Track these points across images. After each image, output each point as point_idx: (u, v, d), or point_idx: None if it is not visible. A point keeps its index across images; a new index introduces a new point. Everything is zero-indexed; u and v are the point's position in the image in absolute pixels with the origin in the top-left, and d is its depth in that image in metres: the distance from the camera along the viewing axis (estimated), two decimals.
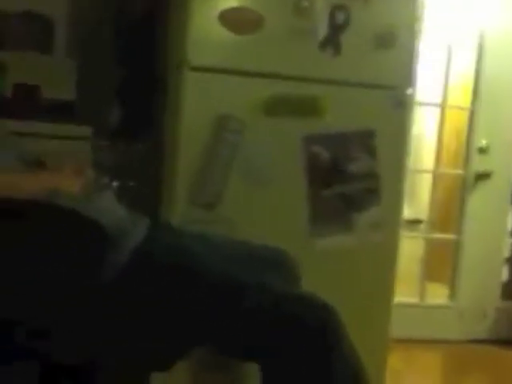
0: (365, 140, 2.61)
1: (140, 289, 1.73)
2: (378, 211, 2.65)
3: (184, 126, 2.49)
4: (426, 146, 4.24)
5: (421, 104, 3.83)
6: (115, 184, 2.20)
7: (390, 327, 2.71)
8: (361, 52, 2.59)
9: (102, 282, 1.71)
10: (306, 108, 2.57)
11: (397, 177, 2.71)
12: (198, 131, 2.48)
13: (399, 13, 2.65)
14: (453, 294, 3.91)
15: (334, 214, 2.61)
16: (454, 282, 3.90)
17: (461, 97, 3.94)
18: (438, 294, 3.99)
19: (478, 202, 3.86)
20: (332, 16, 2.55)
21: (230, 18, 2.49)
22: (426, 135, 4.30)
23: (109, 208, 1.91)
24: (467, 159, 3.87)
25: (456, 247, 3.91)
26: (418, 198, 4.28)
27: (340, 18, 2.56)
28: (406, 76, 2.69)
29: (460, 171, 3.91)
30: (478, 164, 3.85)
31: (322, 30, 2.56)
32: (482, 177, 3.84)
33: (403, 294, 3.49)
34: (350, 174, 2.58)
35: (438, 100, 3.84)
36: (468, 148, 3.87)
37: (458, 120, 3.98)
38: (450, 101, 3.86)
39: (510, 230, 3.99)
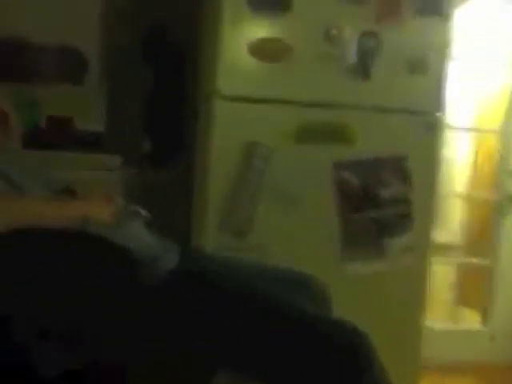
0: (396, 165, 2.61)
1: (174, 310, 1.74)
2: (409, 236, 2.64)
3: (214, 153, 2.51)
4: (457, 169, 4.21)
5: (451, 127, 3.81)
6: (145, 212, 2.22)
7: (422, 352, 2.68)
8: (391, 77, 2.60)
9: (133, 308, 1.73)
10: (336, 134, 2.58)
11: (428, 201, 2.70)
12: (227, 159, 2.50)
13: (430, 37, 2.65)
14: (485, 319, 3.85)
15: (365, 239, 2.61)
16: (487, 307, 3.84)
17: (492, 119, 3.91)
18: (470, 319, 3.93)
19: (511, 225, 3.80)
20: (361, 42, 2.57)
21: (259, 48, 2.52)
22: (458, 158, 4.28)
23: (139, 235, 1.91)
24: (500, 182, 3.83)
25: (489, 272, 3.84)
26: (450, 222, 4.24)
27: (369, 43, 2.57)
28: (437, 100, 2.69)
29: (493, 194, 3.87)
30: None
31: (351, 56, 2.58)
32: None
33: (435, 319, 3.44)
34: (381, 199, 2.58)
35: (470, 123, 3.81)
36: (500, 170, 3.83)
37: (489, 142, 3.95)
38: (482, 124, 3.83)
39: None
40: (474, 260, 3.94)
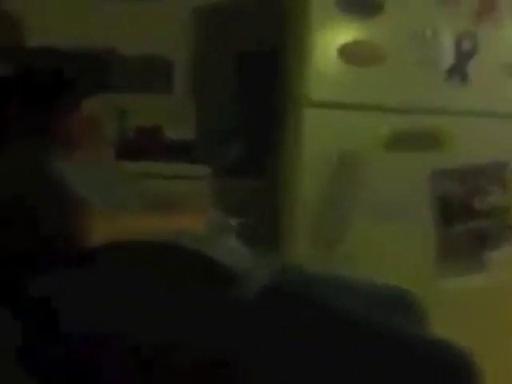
0: (496, 173, 2.49)
1: (268, 325, 1.70)
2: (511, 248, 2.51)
3: (304, 162, 2.46)
4: None
5: None
6: (234, 222, 2.20)
7: None
8: (490, 80, 2.48)
9: (225, 324, 1.70)
10: (432, 141, 2.48)
11: None
12: (317, 167, 2.44)
13: None
14: None
15: (463, 252, 2.50)
16: None
17: None
18: None
19: None
20: (458, 44, 2.47)
21: (349, 52, 2.45)
22: None
23: (232, 248, 1.90)
24: None
25: None
26: None
27: (467, 45, 2.47)
28: None
29: None
30: None
31: (448, 60, 2.47)
32: None
33: None
34: (481, 209, 2.47)
35: None
36: None
37: None
38: None
39: None
40: None
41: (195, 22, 3.11)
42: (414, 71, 2.46)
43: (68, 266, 1.69)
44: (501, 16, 2.49)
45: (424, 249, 2.49)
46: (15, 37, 2.85)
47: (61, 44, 2.69)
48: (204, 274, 1.74)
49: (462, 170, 2.47)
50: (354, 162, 2.44)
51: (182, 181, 2.52)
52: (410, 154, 2.48)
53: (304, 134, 2.46)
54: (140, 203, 1.92)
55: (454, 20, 2.47)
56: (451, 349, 1.64)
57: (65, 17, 2.93)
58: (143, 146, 2.66)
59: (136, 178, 2.14)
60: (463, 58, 2.47)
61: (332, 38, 2.46)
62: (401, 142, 2.47)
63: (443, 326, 1.84)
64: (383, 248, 2.45)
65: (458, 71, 2.47)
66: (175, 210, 1.98)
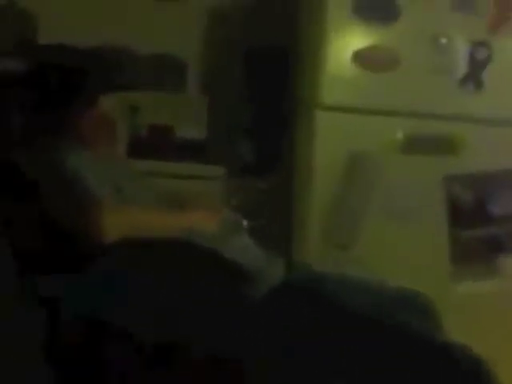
0: (509, 179, 2.50)
1: (280, 323, 1.70)
2: None
3: (316, 164, 2.47)
4: None
5: None
6: (246, 223, 2.19)
7: None
8: (504, 89, 2.50)
9: (239, 320, 1.70)
10: (445, 146, 2.49)
11: None
12: (330, 170, 2.45)
13: None
14: None
15: (476, 257, 2.51)
16: None
17: None
18: None
19: None
20: (472, 52, 2.48)
21: (364, 57, 2.46)
22: None
23: (245, 247, 1.89)
24: None
25: None
26: None
27: (481, 53, 2.48)
28: None
29: None
30: None
31: (462, 67, 2.49)
32: None
33: None
34: (494, 214, 2.47)
35: None
36: None
37: None
38: None
39: None
40: None
41: (208, 21, 3.11)
42: (428, 77, 2.48)
43: (82, 263, 1.70)
44: None
45: (436, 253, 2.48)
46: (30, 34, 2.85)
47: (74, 42, 2.69)
48: (217, 271, 1.74)
49: (474, 175, 2.48)
50: (367, 165, 2.45)
51: (194, 180, 2.51)
52: (422, 159, 2.48)
53: (316, 136, 2.47)
54: (152, 200, 1.92)
55: (469, 28, 2.49)
56: (468, 354, 1.63)
57: (79, 15, 2.93)
58: (155, 144, 2.65)
59: (148, 176, 2.14)
60: (478, 66, 2.48)
61: (347, 43, 2.47)
62: (414, 146, 2.48)
63: (455, 330, 1.84)
64: (395, 250, 2.45)
65: (473, 79, 2.48)
66: (187, 208, 1.99)
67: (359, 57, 2.46)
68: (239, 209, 2.23)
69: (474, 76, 2.48)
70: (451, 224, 2.48)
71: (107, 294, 1.67)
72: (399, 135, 2.48)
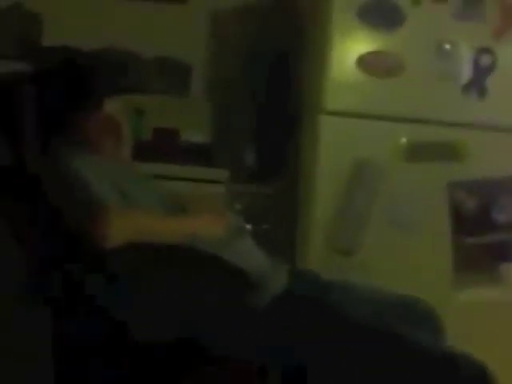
0: None
1: (284, 330, 1.70)
2: None
3: (320, 169, 2.48)
4: None
5: None
6: (249, 227, 2.19)
7: None
8: (508, 95, 2.50)
9: (243, 327, 1.70)
10: (449, 153, 2.49)
11: None
12: (334, 176, 2.46)
13: None
14: None
15: (479, 264, 2.51)
16: None
17: None
18: None
19: None
20: (476, 59, 2.48)
21: (368, 62, 2.46)
22: None
23: (249, 253, 1.89)
24: None
25: None
26: None
27: (485, 60, 2.48)
28: None
29: None
30: None
31: (466, 74, 2.49)
32: None
33: None
34: (497, 222, 2.47)
35: None
36: None
37: None
38: None
39: None
40: None
41: (213, 25, 3.11)
42: (431, 84, 2.48)
43: (87, 266, 1.71)
44: None
45: (439, 260, 2.49)
46: (35, 36, 2.86)
47: (79, 45, 2.70)
48: (221, 278, 1.74)
49: (478, 182, 2.48)
50: (371, 171, 2.45)
51: (198, 184, 2.52)
52: (426, 165, 2.49)
53: (320, 141, 2.47)
54: (157, 204, 1.92)
55: (473, 35, 2.49)
56: (471, 362, 1.65)
57: (83, 18, 2.94)
58: (160, 147, 2.66)
59: (153, 179, 2.14)
60: (482, 72, 2.49)
61: (351, 48, 2.47)
62: (417, 152, 2.48)
63: (457, 337, 1.84)
64: (399, 257, 2.46)
65: (476, 86, 2.49)
66: (192, 212, 1.99)
67: (363, 62, 2.46)
68: (243, 213, 2.24)
69: (477, 82, 2.48)
70: (454, 231, 2.48)
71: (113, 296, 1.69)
72: (403, 141, 2.48)
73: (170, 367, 1.69)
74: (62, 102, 1.96)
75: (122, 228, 1.67)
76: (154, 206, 1.91)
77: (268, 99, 2.87)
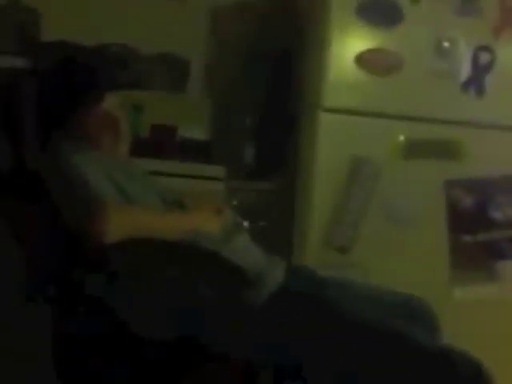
0: (510, 185, 2.50)
1: (281, 327, 1.71)
2: None
3: (318, 167, 2.48)
4: None
5: None
6: (247, 224, 2.20)
7: None
8: (506, 95, 2.50)
9: (239, 325, 1.70)
10: (447, 151, 2.50)
11: None
12: (332, 173, 2.46)
13: None
14: None
15: (476, 262, 2.52)
16: None
17: None
18: None
19: None
20: (475, 57, 2.48)
21: (367, 60, 2.47)
22: None
23: (246, 250, 1.90)
24: None
25: None
26: None
27: (484, 58, 2.48)
28: None
29: None
30: None
31: (465, 71, 2.50)
32: None
33: None
34: (494, 220, 2.48)
35: None
36: None
37: None
38: None
39: None
40: None
41: (211, 22, 3.11)
42: (430, 81, 2.48)
43: (87, 266, 1.71)
44: None
45: (436, 257, 2.50)
46: (33, 32, 2.85)
47: (77, 40, 2.70)
48: (220, 275, 1.74)
49: (475, 180, 2.49)
50: (369, 169, 2.45)
51: (196, 180, 2.52)
52: (424, 163, 2.50)
53: (319, 138, 2.48)
54: (155, 201, 1.92)
55: (472, 32, 2.49)
56: (467, 360, 1.65)
57: (82, 13, 2.93)
58: (158, 143, 2.65)
59: (150, 175, 2.14)
60: (480, 70, 2.49)
61: (350, 45, 2.47)
62: (415, 150, 2.48)
63: (454, 335, 1.85)
64: (395, 255, 2.47)
65: (475, 84, 2.49)
66: (190, 209, 1.99)
67: (362, 60, 2.46)
68: (241, 210, 2.24)
69: (476, 80, 2.49)
70: (451, 228, 2.49)
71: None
72: (401, 139, 2.49)
73: (169, 365, 1.71)
74: (62, 98, 1.97)
75: (120, 224, 1.67)
76: (153, 202, 1.91)
77: (267, 97, 2.87)
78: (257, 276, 1.78)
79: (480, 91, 2.49)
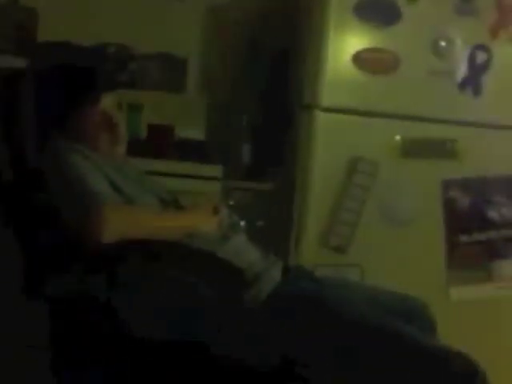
0: (507, 185, 2.51)
1: (273, 332, 1.71)
2: None
3: (315, 166, 2.48)
4: None
5: None
6: (244, 224, 2.19)
7: None
8: (503, 94, 2.51)
9: (235, 324, 1.71)
10: (442, 150, 2.50)
11: None
12: (329, 172, 2.46)
13: None
14: None
15: (472, 262, 2.52)
16: None
17: None
18: None
19: None
20: (472, 56, 2.49)
21: (364, 59, 2.47)
22: None
23: (243, 250, 1.90)
24: None
25: None
26: None
27: (481, 58, 2.49)
28: None
29: None
30: None
31: (461, 71, 2.50)
32: None
33: None
34: (491, 220, 2.49)
35: None
36: None
37: None
38: None
39: None
40: None
41: (209, 21, 3.10)
42: (427, 81, 2.49)
43: (87, 266, 1.71)
44: None
45: (433, 257, 2.51)
46: (31, 31, 2.85)
47: (76, 40, 2.70)
48: (219, 276, 1.74)
49: (472, 180, 2.49)
50: (366, 168, 2.46)
51: (193, 180, 2.52)
52: (420, 163, 2.50)
53: (316, 138, 2.48)
54: (152, 200, 1.92)
55: (469, 32, 2.50)
56: (464, 359, 1.64)
57: (79, 13, 2.93)
58: (155, 143, 2.65)
59: (147, 175, 2.14)
60: (477, 70, 2.49)
61: (347, 44, 2.47)
62: (412, 150, 2.49)
63: (450, 335, 1.85)
64: (392, 254, 2.47)
65: (472, 83, 2.49)
66: (187, 208, 1.99)
67: (359, 59, 2.46)
68: (238, 210, 2.24)
69: (473, 80, 2.49)
70: (448, 228, 2.50)
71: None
72: (398, 138, 2.49)
73: (169, 366, 1.71)
74: (59, 98, 1.97)
75: (118, 223, 1.67)
76: (150, 201, 1.92)
77: (265, 96, 2.87)
78: (254, 276, 1.79)
79: (477, 91, 2.49)
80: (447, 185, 2.49)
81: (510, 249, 2.50)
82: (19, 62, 2.50)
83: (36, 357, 1.78)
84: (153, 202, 1.91)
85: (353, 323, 1.69)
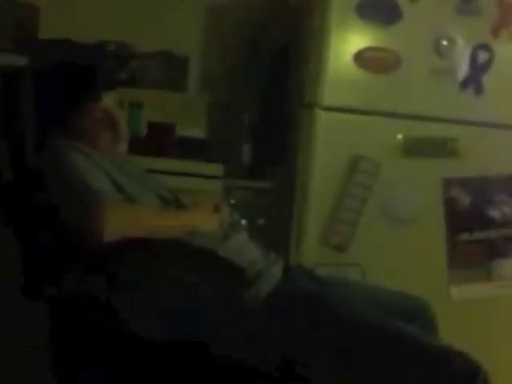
0: (509, 185, 2.51)
1: (273, 331, 1.70)
2: None
3: (316, 165, 2.47)
4: None
5: None
6: (245, 222, 2.19)
7: None
8: (505, 93, 2.51)
9: (235, 323, 1.70)
10: (444, 149, 2.50)
11: None
12: (330, 171, 2.46)
13: None
14: None
15: (472, 260, 2.52)
16: None
17: None
18: None
19: None
20: (474, 55, 2.49)
21: (366, 58, 2.46)
22: None
23: (244, 248, 1.90)
24: None
25: None
26: None
27: (482, 57, 2.49)
28: None
29: None
30: None
31: (463, 70, 2.50)
32: None
33: None
34: (491, 219, 2.49)
35: None
36: None
37: None
38: None
39: None
40: None
41: (210, 20, 3.10)
42: (429, 80, 2.48)
43: (88, 266, 1.71)
44: None
45: (433, 256, 2.51)
46: (32, 29, 2.85)
47: (77, 38, 2.69)
48: (220, 274, 1.74)
49: (473, 179, 2.49)
50: (367, 167, 2.45)
51: (195, 179, 2.52)
52: (422, 161, 2.50)
53: (317, 137, 2.47)
54: (153, 199, 1.92)
55: (471, 31, 2.50)
56: (465, 359, 1.64)
57: (82, 11, 2.93)
58: (155, 141, 2.65)
59: (149, 173, 2.14)
60: (479, 69, 2.49)
61: (349, 43, 2.47)
62: (413, 149, 2.48)
63: (451, 334, 1.85)
64: (393, 253, 2.47)
65: (473, 82, 2.49)
66: (188, 207, 1.99)
67: (361, 58, 2.46)
68: (239, 208, 2.24)
69: (475, 79, 2.49)
70: (449, 227, 2.50)
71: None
72: (399, 137, 2.49)
73: (170, 366, 1.71)
74: (60, 96, 1.97)
75: (119, 221, 1.67)
76: (151, 200, 1.91)
77: (265, 95, 2.87)
78: (255, 274, 1.78)
79: (478, 90, 2.49)
80: (448, 184, 2.49)
81: (511, 248, 2.51)
82: (19, 60, 2.49)
83: (36, 357, 1.78)
84: (154, 201, 1.90)
85: (353, 323, 1.69)
